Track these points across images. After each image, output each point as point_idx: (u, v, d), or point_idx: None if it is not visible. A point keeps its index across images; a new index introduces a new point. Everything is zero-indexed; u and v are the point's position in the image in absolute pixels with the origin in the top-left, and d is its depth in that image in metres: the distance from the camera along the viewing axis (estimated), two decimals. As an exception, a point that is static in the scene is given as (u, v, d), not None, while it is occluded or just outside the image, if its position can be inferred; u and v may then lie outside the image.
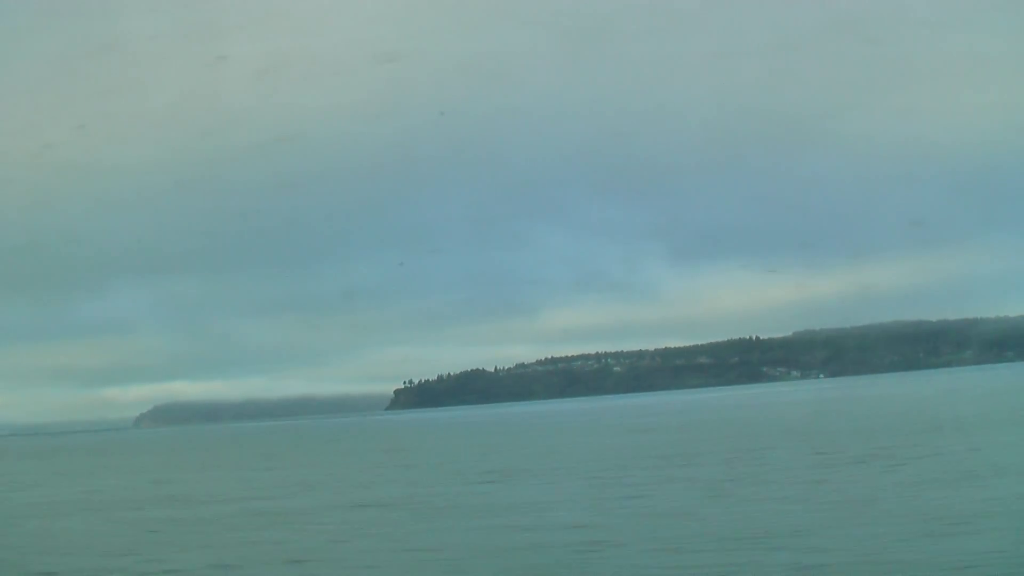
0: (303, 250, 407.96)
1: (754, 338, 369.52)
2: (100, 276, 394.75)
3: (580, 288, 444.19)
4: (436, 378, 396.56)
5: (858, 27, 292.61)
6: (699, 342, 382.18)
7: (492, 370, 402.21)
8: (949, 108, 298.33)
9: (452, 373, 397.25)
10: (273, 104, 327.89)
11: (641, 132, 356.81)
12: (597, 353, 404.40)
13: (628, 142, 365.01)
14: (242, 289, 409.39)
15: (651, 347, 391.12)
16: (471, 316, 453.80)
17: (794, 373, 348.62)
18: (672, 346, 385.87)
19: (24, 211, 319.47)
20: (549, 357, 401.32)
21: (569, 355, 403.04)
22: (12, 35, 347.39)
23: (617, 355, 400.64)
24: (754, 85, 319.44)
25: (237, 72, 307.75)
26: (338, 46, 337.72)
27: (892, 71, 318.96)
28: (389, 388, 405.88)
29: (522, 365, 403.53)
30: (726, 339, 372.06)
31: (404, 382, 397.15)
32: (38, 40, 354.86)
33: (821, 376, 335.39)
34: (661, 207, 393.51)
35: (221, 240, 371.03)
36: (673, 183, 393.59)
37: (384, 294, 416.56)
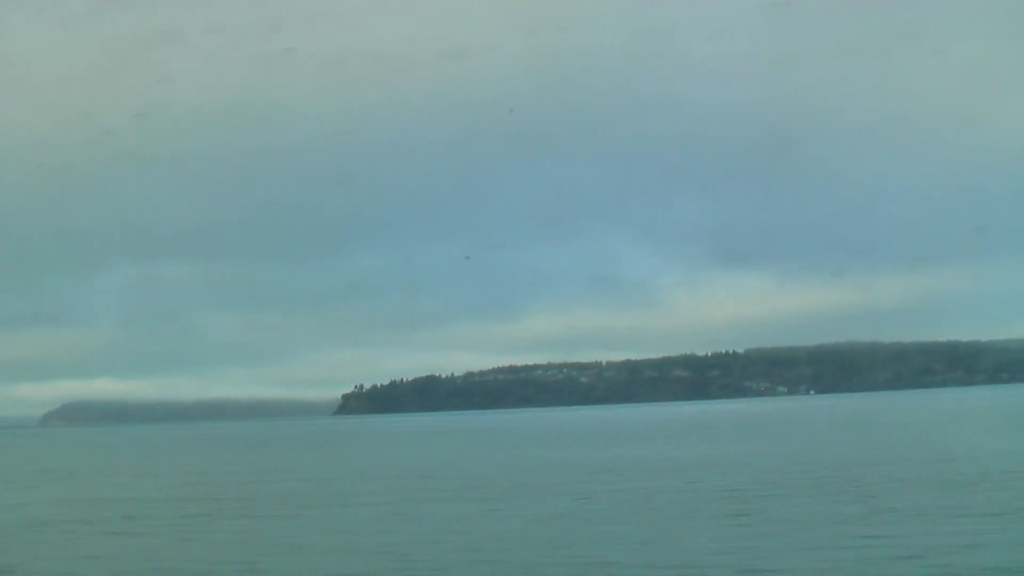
0: (323, 243, 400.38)
1: (734, 352, 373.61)
2: (83, 266, 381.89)
3: (589, 292, 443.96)
4: (389, 383, 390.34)
5: (923, 36, 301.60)
6: (674, 354, 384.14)
7: (443, 376, 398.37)
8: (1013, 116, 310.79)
9: (405, 379, 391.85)
10: (338, 98, 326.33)
11: (704, 133, 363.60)
12: (551, 363, 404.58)
13: (691, 143, 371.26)
14: (222, 284, 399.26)
15: (621, 359, 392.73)
16: (454, 318, 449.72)
17: (780, 388, 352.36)
18: (645, 358, 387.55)
19: (81, 198, 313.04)
20: (508, 365, 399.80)
21: (529, 364, 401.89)
22: (74, 21, 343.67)
23: (580, 366, 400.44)
24: (817, 90, 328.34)
25: (302, 65, 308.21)
26: (404, 42, 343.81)
27: (956, 79, 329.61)
28: (335, 393, 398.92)
29: (473, 373, 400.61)
30: (705, 352, 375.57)
31: (354, 387, 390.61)
32: (100, 27, 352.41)
33: (811, 392, 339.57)
34: (718, 209, 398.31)
35: (246, 231, 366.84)
36: (733, 185, 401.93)
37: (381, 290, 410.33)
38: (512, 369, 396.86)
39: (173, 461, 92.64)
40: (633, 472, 51.00)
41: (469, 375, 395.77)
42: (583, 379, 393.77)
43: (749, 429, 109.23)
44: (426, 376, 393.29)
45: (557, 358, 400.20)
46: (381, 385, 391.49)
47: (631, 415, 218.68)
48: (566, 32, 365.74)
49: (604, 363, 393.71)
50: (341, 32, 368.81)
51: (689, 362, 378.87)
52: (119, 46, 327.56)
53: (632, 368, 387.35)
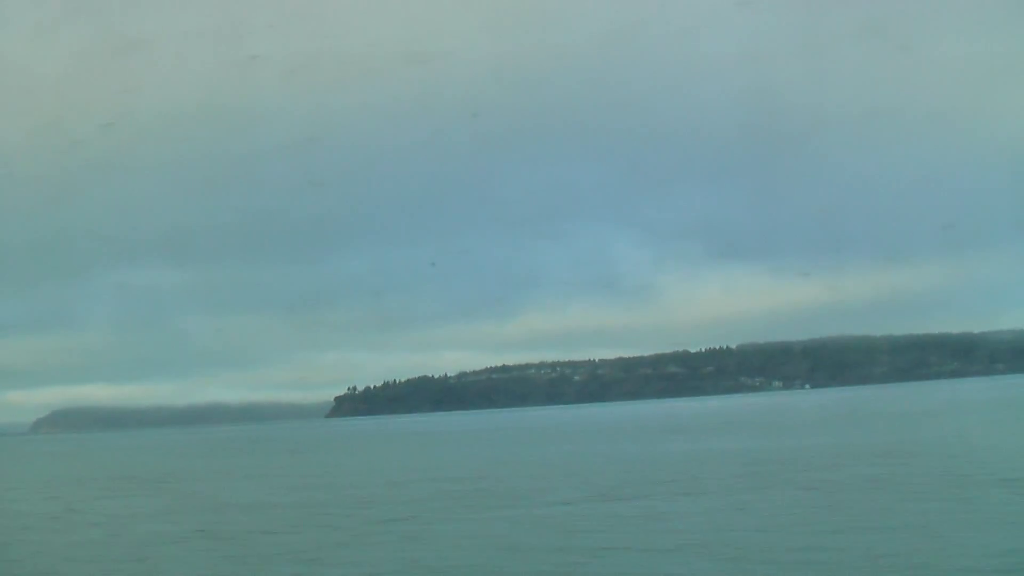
0: (312, 245, 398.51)
1: (727, 347, 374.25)
2: (67, 273, 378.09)
3: (575, 292, 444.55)
4: (382, 384, 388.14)
5: (890, 32, 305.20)
6: (666, 351, 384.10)
7: (436, 377, 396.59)
8: (981, 111, 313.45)
9: (398, 380, 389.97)
10: (303, 104, 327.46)
11: (677, 131, 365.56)
12: (544, 362, 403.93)
13: (660, 143, 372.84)
14: (211, 289, 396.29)
15: (614, 356, 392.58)
16: (446, 318, 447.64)
17: (776, 383, 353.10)
18: (638, 355, 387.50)
19: (48, 207, 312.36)
20: (501, 364, 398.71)
21: (522, 363, 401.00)
22: (40, 31, 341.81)
23: (573, 364, 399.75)
24: (786, 87, 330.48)
25: (267, 71, 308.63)
26: (369, 46, 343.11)
27: (924, 75, 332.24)
28: (327, 395, 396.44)
29: (466, 373, 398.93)
30: (698, 349, 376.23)
31: (347, 388, 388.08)
32: (65, 36, 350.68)
33: (807, 386, 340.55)
34: (691, 208, 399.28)
35: (228, 236, 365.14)
36: (704, 184, 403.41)
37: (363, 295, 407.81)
38: (505, 368, 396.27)
39: (254, 463, 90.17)
40: (817, 461, 49.89)
41: (462, 375, 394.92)
42: (577, 377, 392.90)
43: (799, 422, 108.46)
44: (419, 377, 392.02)
45: (550, 357, 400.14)
46: (374, 387, 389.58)
47: (643, 411, 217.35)
48: (533, 34, 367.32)
49: (597, 361, 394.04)
50: (304, 38, 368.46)
51: (682, 359, 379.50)
52: (86, 55, 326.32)
53: (625, 365, 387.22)
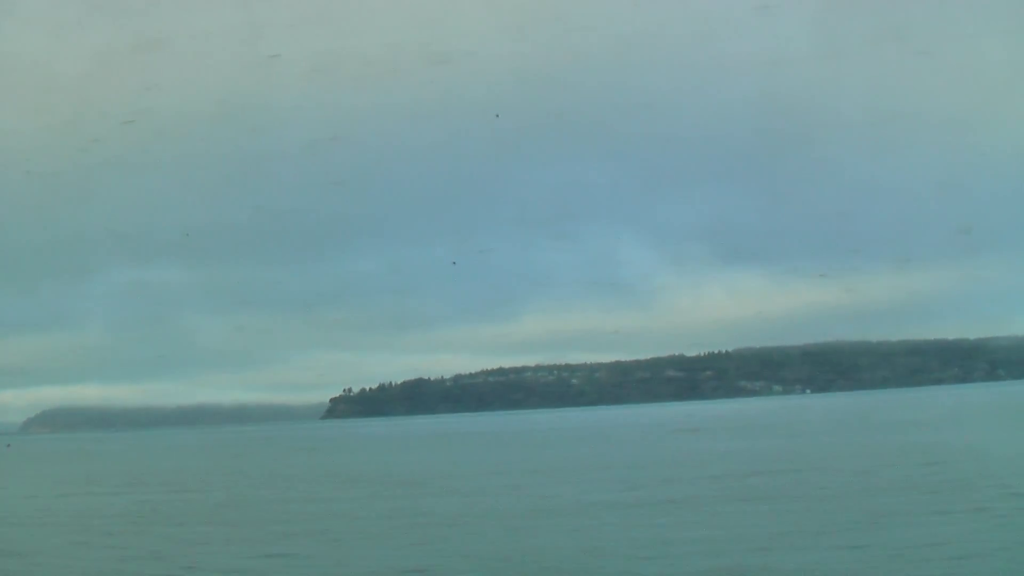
0: (312, 247, 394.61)
1: (724, 352, 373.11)
2: (72, 272, 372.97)
3: (578, 295, 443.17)
4: (377, 387, 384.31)
5: (909, 37, 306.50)
6: (663, 355, 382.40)
7: (432, 379, 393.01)
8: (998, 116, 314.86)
9: (394, 383, 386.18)
10: (323, 103, 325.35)
11: (694, 135, 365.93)
12: (540, 365, 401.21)
13: (681, 144, 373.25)
14: (210, 289, 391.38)
15: (611, 360, 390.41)
16: (443, 321, 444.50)
17: (776, 388, 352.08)
18: (634, 359, 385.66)
19: (65, 205, 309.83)
20: (498, 368, 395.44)
21: (518, 366, 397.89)
22: (60, 29, 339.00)
23: (570, 368, 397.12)
24: (803, 91, 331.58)
25: (287, 70, 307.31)
26: (391, 47, 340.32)
27: (942, 80, 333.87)
28: (322, 397, 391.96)
29: (462, 376, 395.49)
30: (695, 353, 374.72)
31: (343, 390, 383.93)
32: (85, 34, 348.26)
33: (807, 391, 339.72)
34: (701, 211, 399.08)
35: (235, 236, 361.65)
36: (716, 187, 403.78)
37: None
38: (501, 371, 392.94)
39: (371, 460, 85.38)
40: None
41: (458, 378, 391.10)
42: (574, 381, 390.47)
43: (854, 423, 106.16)
44: (415, 379, 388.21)
45: (547, 360, 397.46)
46: (370, 388, 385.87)
47: (664, 414, 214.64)
48: (553, 36, 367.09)
49: (594, 364, 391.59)
50: (325, 38, 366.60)
51: (679, 363, 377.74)
52: (106, 53, 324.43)
53: (623, 369, 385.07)
